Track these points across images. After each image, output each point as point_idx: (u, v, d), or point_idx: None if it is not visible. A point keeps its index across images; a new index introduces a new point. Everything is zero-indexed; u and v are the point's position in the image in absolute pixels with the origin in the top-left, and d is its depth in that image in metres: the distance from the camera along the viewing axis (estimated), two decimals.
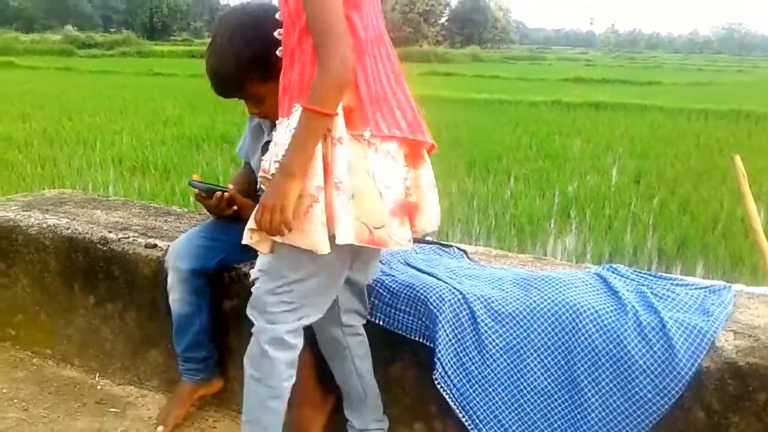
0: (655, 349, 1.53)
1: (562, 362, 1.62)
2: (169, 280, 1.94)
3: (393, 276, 1.85)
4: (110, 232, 2.25)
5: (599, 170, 7.51)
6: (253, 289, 1.60)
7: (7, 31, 54.24)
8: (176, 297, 1.94)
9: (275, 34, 1.60)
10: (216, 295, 2.00)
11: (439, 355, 1.68)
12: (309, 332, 1.80)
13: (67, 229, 2.29)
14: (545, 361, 1.64)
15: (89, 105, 12.25)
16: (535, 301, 1.69)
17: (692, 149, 9.01)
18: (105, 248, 2.20)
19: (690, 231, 5.10)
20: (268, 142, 1.89)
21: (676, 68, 39.53)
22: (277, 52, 1.59)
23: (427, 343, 1.74)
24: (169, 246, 2.11)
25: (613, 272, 1.87)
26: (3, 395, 2.20)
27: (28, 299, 2.40)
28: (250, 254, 1.94)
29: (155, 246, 2.14)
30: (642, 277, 1.85)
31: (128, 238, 2.20)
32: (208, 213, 2.03)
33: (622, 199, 6.12)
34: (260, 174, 1.53)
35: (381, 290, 1.81)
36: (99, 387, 2.26)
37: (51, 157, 7.33)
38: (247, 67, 1.70)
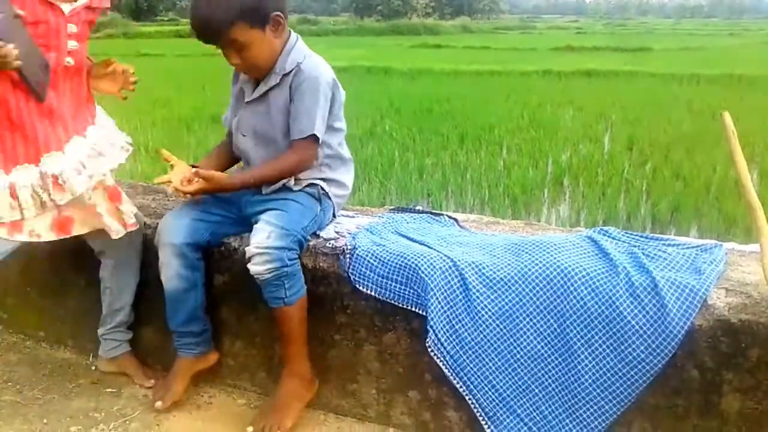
0: (647, 309, 1.53)
1: (555, 325, 1.62)
2: (162, 256, 1.92)
3: (384, 246, 1.84)
4: None
5: (592, 138, 7.49)
6: None
7: None
8: (171, 273, 1.91)
9: None
10: (207, 269, 1.98)
11: (431, 322, 1.68)
12: None
13: None
14: (538, 325, 1.64)
15: None
16: (526, 266, 1.68)
17: (684, 114, 8.98)
18: None
19: (683, 196, 5.11)
20: (248, 103, 1.92)
21: (667, 34, 39.31)
22: None
23: (420, 312, 1.73)
24: (158, 223, 2.09)
25: (604, 234, 1.86)
26: None
27: (19, 282, 2.39)
28: (240, 228, 1.94)
29: (144, 224, 2.12)
30: (633, 238, 1.85)
31: None
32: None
33: (614, 167, 6.11)
34: None
35: (372, 260, 1.80)
36: (93, 367, 2.26)
37: None
38: (237, 11, 1.72)
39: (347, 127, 2.04)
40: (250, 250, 1.76)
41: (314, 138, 1.85)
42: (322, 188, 1.94)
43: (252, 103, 1.92)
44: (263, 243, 1.75)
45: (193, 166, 1.93)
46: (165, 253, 1.91)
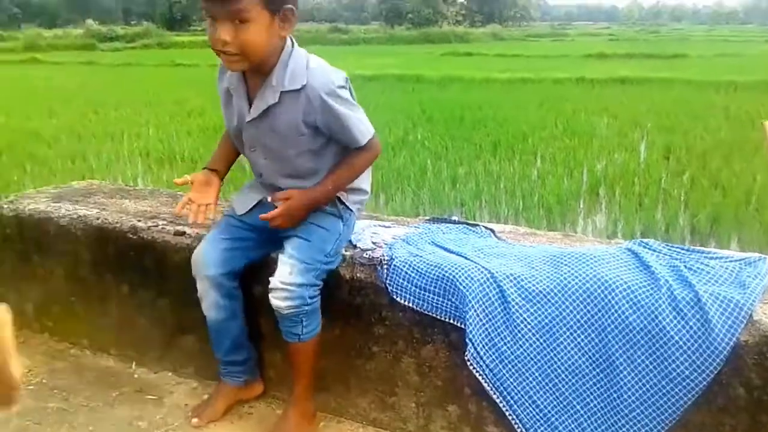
0: (690, 324, 1.51)
1: (596, 340, 1.61)
2: (199, 288, 1.92)
3: (421, 257, 1.85)
4: (139, 220, 2.27)
5: (627, 147, 7.40)
6: None
7: (30, 27, 54.97)
8: (209, 303, 1.91)
9: None
10: (245, 279, 2.00)
11: (470, 335, 1.68)
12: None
13: (98, 219, 2.32)
14: (578, 339, 1.62)
15: (114, 98, 12.36)
16: (565, 278, 1.67)
17: (722, 122, 8.83)
18: (135, 237, 2.22)
19: (723, 206, 5.01)
20: (250, 122, 1.80)
21: (702, 40, 38.72)
22: None
23: (458, 324, 1.73)
24: (197, 233, 2.13)
25: (644, 247, 1.84)
26: (43, 385, 2.25)
27: (64, 290, 2.44)
28: (272, 247, 1.94)
29: (184, 233, 2.16)
30: (674, 250, 1.82)
31: (157, 226, 2.22)
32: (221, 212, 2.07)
33: (651, 176, 6.03)
34: None
35: (409, 271, 1.81)
36: (136, 375, 2.30)
37: (80, 152, 7.43)
38: None
39: (379, 136, 2.00)
40: (273, 282, 1.79)
41: (372, 136, 1.84)
42: (342, 201, 1.91)
43: (255, 121, 1.79)
44: (285, 279, 1.77)
45: (210, 169, 1.97)
46: (202, 285, 1.91)
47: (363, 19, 72.99)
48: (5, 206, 2.51)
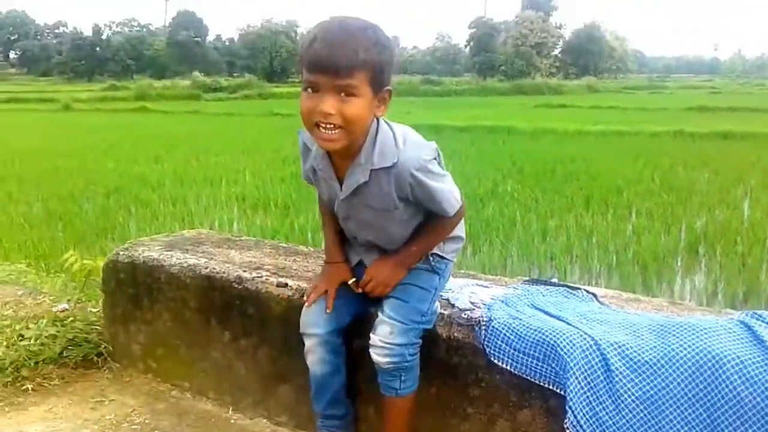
0: None
1: (704, 415, 1.54)
2: (307, 344, 1.95)
3: (520, 319, 1.83)
4: (245, 271, 2.36)
5: (729, 204, 7.11)
6: None
7: (142, 78, 58.70)
8: (315, 360, 1.94)
9: None
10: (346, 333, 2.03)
11: (570, 402, 1.64)
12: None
13: (206, 268, 2.43)
14: (685, 414, 1.56)
15: (215, 146, 12.97)
16: (673, 349, 1.62)
17: None
18: (240, 287, 2.31)
19: None
20: (343, 200, 1.84)
21: None
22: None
23: (558, 390, 1.70)
24: (298, 285, 2.20)
25: (758, 319, 1.75)
26: (146, 426, 2.35)
27: (169, 334, 2.56)
28: (373, 303, 1.96)
29: (286, 285, 2.23)
30: None
31: (261, 277, 2.31)
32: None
33: (756, 235, 5.76)
34: None
35: (508, 333, 1.80)
36: (232, 420, 2.37)
37: (181, 196, 7.82)
38: (369, 59, 1.59)
39: (467, 186, 2.03)
40: (373, 339, 1.84)
41: (461, 206, 1.87)
42: (438, 255, 1.94)
43: (347, 198, 1.82)
44: (386, 339, 1.82)
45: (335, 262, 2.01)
46: (310, 342, 1.95)
47: (455, 71, 73.82)
48: (121, 253, 2.68)
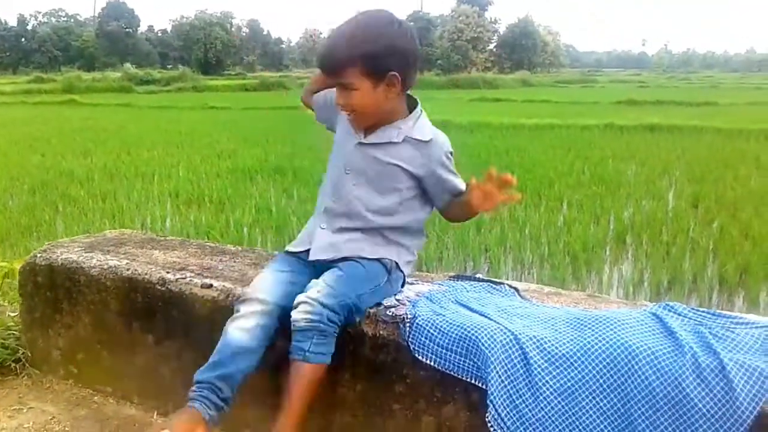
0: (714, 391, 1.49)
1: (619, 405, 1.59)
2: (243, 309, 1.85)
3: (444, 315, 1.85)
4: (168, 272, 2.31)
5: (655, 195, 7.37)
6: None
7: (70, 69, 56.76)
8: (247, 326, 1.82)
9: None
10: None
11: (491, 396, 1.67)
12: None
13: (127, 269, 2.37)
14: (601, 404, 1.60)
15: (147, 139, 12.66)
16: (589, 342, 1.66)
17: (752, 171, 8.76)
18: (163, 288, 2.26)
19: (752, 257, 4.95)
20: (362, 144, 1.98)
21: (733, 88, 38.55)
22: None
23: (479, 385, 1.73)
24: (224, 286, 2.16)
25: (669, 311, 1.82)
26: None
27: (90, 338, 2.48)
28: None
29: (211, 286, 2.19)
30: (700, 315, 1.80)
31: (185, 278, 2.26)
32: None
33: (679, 225, 5.98)
34: None
35: (432, 330, 1.81)
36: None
37: (111, 192, 7.60)
38: (356, 57, 1.80)
39: None
40: (298, 298, 1.82)
41: None
42: (395, 263, 1.98)
43: (366, 146, 1.97)
44: (311, 295, 1.80)
45: None
46: (252, 306, 1.86)
47: None
48: (38, 255, 2.58)
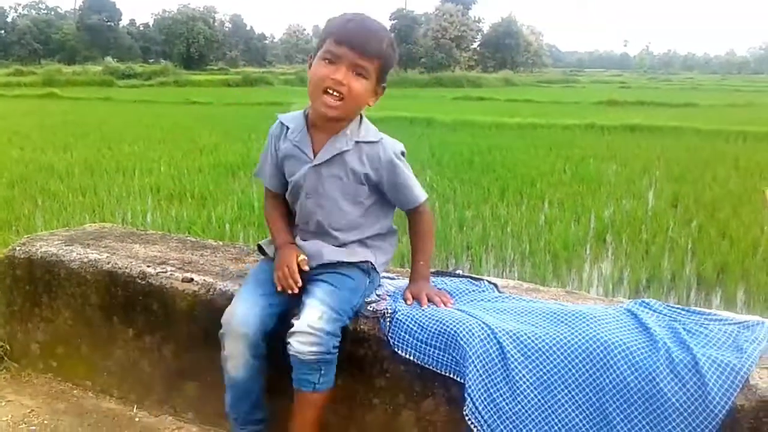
0: (687, 386, 1.52)
1: (594, 399, 1.61)
2: (229, 347, 1.84)
3: (423, 311, 1.87)
4: (149, 266, 2.31)
5: (635, 194, 7.44)
6: None
7: (50, 63, 56.08)
8: (240, 363, 1.84)
9: None
10: None
11: (469, 390, 1.69)
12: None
13: (108, 263, 2.36)
14: (576, 398, 1.63)
15: (128, 134, 12.56)
16: (565, 337, 1.69)
17: (731, 172, 8.87)
18: (144, 282, 2.26)
19: (730, 256, 5.02)
20: (317, 166, 1.91)
21: (713, 89, 39.01)
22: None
23: (458, 379, 1.74)
24: (204, 280, 2.16)
25: (645, 307, 1.85)
26: (44, 427, 2.26)
27: (70, 332, 2.47)
28: (298, 303, 1.88)
29: (191, 280, 2.19)
30: (674, 311, 1.84)
31: (166, 272, 2.26)
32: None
33: (659, 224, 6.05)
34: None
35: (411, 325, 1.83)
36: (137, 419, 2.31)
37: (91, 186, 7.53)
38: (386, 52, 1.85)
39: None
40: (298, 325, 1.76)
41: (426, 200, 2.01)
42: (372, 262, 1.97)
43: (320, 167, 1.91)
44: (314, 324, 1.75)
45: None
46: (236, 344, 1.84)
47: None
48: (17, 248, 2.56)
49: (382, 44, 1.84)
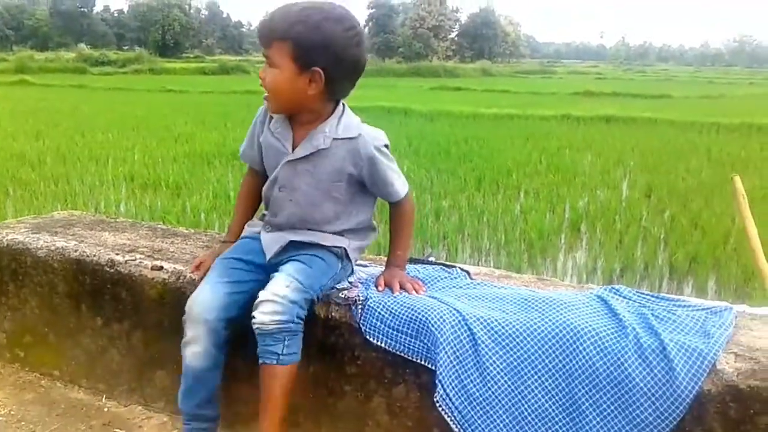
0: (655, 371, 1.53)
1: (563, 384, 1.62)
2: (191, 333, 1.80)
3: (395, 297, 1.86)
4: (117, 254, 2.27)
5: (610, 184, 7.52)
6: None
7: (22, 49, 55.05)
8: (199, 350, 1.80)
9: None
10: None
11: (440, 377, 1.69)
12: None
13: (75, 251, 2.32)
14: (546, 383, 1.64)
15: (102, 122, 12.40)
16: (535, 322, 1.69)
17: (704, 163, 8.99)
18: (112, 270, 2.22)
19: (701, 246, 5.10)
20: (291, 162, 1.87)
21: (687, 81, 39.52)
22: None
23: (429, 365, 1.74)
24: (175, 269, 2.14)
25: (614, 293, 1.86)
26: (11, 417, 2.22)
27: (37, 321, 2.43)
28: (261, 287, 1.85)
29: (161, 268, 2.16)
30: (643, 298, 1.85)
31: (135, 260, 2.22)
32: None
33: (632, 214, 6.12)
34: None
35: (383, 312, 1.82)
36: (106, 409, 2.27)
37: (64, 175, 7.43)
38: (288, 36, 1.74)
39: None
40: (263, 294, 1.74)
41: (409, 190, 1.99)
42: (345, 248, 1.94)
43: (296, 162, 1.87)
44: (279, 291, 1.73)
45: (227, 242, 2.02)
46: (196, 330, 1.80)
47: None
48: None
49: (286, 25, 1.74)
